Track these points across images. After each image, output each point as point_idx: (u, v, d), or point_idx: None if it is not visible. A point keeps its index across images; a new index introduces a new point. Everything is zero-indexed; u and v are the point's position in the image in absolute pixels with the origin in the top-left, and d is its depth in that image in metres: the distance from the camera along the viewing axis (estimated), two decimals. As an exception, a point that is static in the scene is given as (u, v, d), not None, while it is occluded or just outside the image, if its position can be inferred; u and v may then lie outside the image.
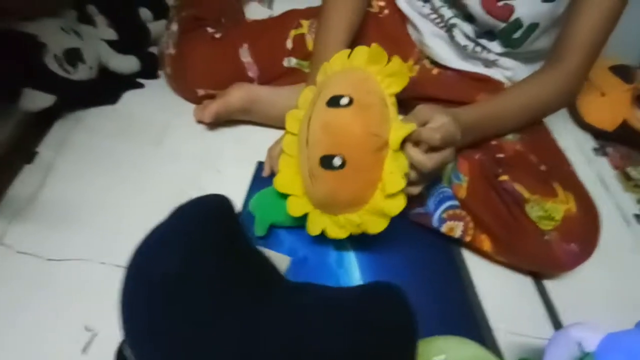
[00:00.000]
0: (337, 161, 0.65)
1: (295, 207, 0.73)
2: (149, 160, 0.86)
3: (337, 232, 0.71)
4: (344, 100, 0.65)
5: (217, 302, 0.42)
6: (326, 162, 0.66)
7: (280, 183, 0.75)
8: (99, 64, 0.93)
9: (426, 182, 0.73)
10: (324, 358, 0.41)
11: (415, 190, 0.71)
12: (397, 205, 0.65)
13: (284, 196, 0.76)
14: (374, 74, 0.68)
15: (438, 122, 0.68)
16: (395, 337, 0.45)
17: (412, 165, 0.68)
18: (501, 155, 0.84)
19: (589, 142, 1.18)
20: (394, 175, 0.65)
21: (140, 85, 1.00)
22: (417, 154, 0.67)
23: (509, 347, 0.71)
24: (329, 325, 0.43)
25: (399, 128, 0.65)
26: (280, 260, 0.71)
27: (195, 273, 0.42)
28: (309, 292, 0.51)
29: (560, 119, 1.19)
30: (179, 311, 0.40)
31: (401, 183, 0.64)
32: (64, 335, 0.62)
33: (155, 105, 0.97)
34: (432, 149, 0.68)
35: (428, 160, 0.67)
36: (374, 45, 0.68)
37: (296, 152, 0.74)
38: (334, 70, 0.73)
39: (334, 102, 0.66)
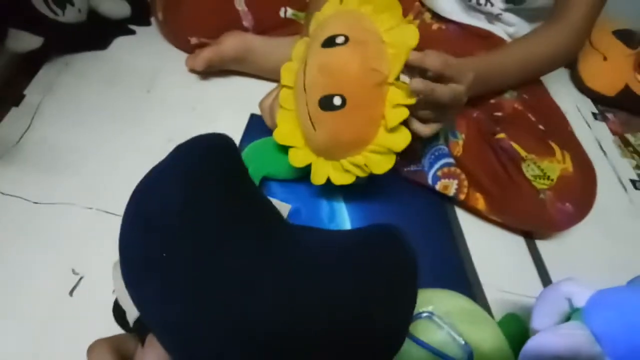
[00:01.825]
0: (336, 100, 0.63)
1: (298, 158, 0.72)
2: (138, 108, 0.84)
3: (342, 177, 0.69)
4: (339, 39, 0.63)
5: (218, 239, 0.40)
6: (326, 103, 0.64)
7: (281, 136, 0.72)
8: (89, 7, 0.90)
9: (439, 118, 0.69)
10: (328, 299, 0.40)
11: (428, 129, 0.68)
12: (402, 139, 0.63)
13: (278, 148, 0.74)
14: (367, 14, 0.66)
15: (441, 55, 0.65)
16: (398, 276, 0.44)
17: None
18: (499, 114, 0.83)
19: (589, 106, 1.16)
20: (395, 108, 0.62)
21: (131, 32, 0.97)
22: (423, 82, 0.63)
23: (497, 304, 0.71)
24: (332, 267, 0.42)
25: (397, 55, 0.63)
26: (281, 208, 0.70)
27: (196, 208, 0.40)
28: (312, 234, 0.50)
29: (561, 82, 1.17)
30: (179, 247, 0.39)
31: (404, 113, 0.62)
32: (50, 278, 0.61)
33: (146, 52, 0.94)
34: (436, 79, 0.65)
35: (439, 88, 0.63)
36: None
37: (294, 105, 0.72)
38: (326, 17, 0.70)
39: (329, 42, 0.64)
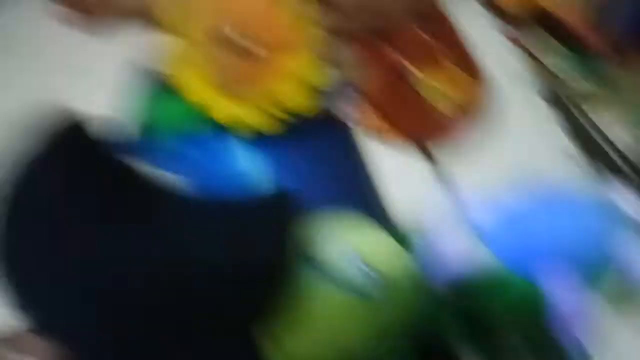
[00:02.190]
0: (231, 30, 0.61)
1: (197, 97, 0.68)
2: (6, 72, 0.78)
3: (252, 116, 0.67)
4: None
5: (63, 217, 0.40)
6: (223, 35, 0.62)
7: (175, 77, 0.69)
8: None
9: None
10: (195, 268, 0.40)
11: None
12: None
13: (169, 98, 0.71)
14: None
15: None
16: (273, 249, 0.45)
17: None
18: (392, 33, 0.82)
19: (498, 25, 1.14)
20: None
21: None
22: None
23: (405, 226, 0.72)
24: (202, 238, 0.43)
25: None
26: (168, 179, 0.68)
27: (35, 190, 0.39)
28: (186, 203, 0.49)
29: (469, 1, 1.15)
30: (18, 233, 0.38)
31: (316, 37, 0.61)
32: None
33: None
34: None
35: None
36: None
37: (184, 51, 0.68)
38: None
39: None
